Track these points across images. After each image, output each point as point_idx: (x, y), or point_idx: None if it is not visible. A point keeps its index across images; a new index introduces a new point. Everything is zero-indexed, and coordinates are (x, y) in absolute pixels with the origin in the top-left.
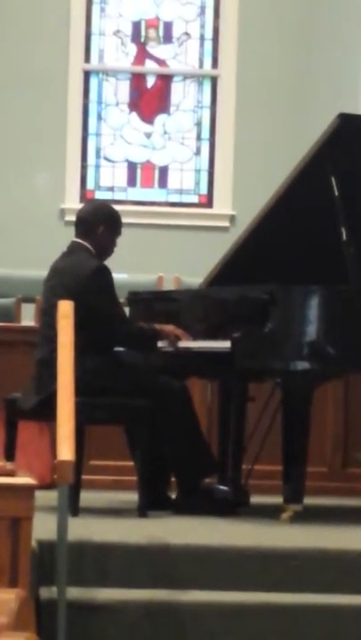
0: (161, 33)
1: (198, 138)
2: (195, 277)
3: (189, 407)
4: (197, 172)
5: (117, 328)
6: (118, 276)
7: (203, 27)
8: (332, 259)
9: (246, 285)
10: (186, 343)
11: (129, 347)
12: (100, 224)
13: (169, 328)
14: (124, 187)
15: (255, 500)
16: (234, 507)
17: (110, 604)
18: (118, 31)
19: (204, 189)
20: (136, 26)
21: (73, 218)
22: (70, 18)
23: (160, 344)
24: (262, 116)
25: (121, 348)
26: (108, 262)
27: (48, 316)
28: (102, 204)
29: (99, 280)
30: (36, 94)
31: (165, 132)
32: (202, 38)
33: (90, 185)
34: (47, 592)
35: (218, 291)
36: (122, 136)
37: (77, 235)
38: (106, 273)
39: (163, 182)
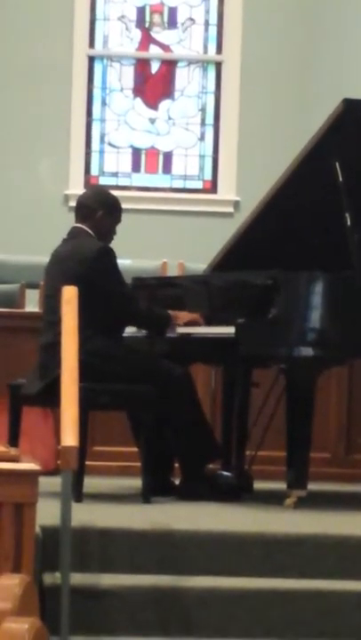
0: (165, 18)
1: (203, 123)
2: (199, 263)
3: (193, 393)
4: (202, 157)
5: (128, 306)
6: (122, 262)
7: (207, 12)
8: (336, 244)
9: (250, 271)
10: (190, 329)
11: (140, 325)
12: (99, 209)
13: (184, 315)
14: (129, 172)
15: (259, 485)
16: (237, 492)
17: (114, 590)
18: (123, 16)
19: (208, 175)
20: (140, 11)
21: None
22: (75, 3)
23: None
24: (267, 102)
25: (131, 329)
26: (114, 248)
27: (52, 301)
28: (102, 189)
29: (104, 261)
30: (40, 80)
31: (170, 118)
32: (206, 24)
33: (94, 171)
34: (51, 577)
35: (222, 276)
36: (126, 122)
37: (77, 220)
38: (110, 254)
39: (167, 168)
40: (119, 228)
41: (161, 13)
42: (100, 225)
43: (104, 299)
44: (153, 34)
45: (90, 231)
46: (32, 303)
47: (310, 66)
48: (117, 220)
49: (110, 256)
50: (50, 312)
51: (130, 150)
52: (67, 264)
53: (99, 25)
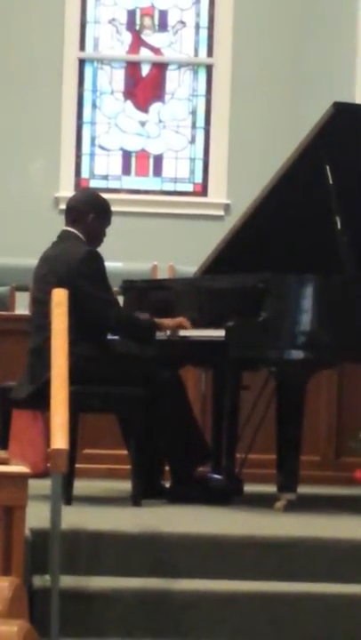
0: (156, 21)
1: (193, 126)
2: (189, 266)
3: (183, 396)
4: (192, 160)
5: (106, 313)
6: (113, 265)
7: (198, 15)
8: (327, 247)
9: (241, 274)
10: (181, 332)
11: (121, 334)
12: (90, 212)
13: (169, 322)
14: (119, 175)
15: (249, 488)
16: (228, 496)
17: (103, 593)
18: (113, 19)
19: (198, 178)
20: (131, 14)
21: None
22: (65, 6)
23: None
24: (257, 105)
25: (115, 337)
26: (104, 251)
27: (40, 305)
28: (92, 192)
29: (89, 265)
30: (30, 82)
31: (160, 121)
32: (197, 26)
33: (84, 173)
34: (40, 580)
35: (212, 279)
36: (117, 124)
37: (67, 223)
38: (97, 258)
39: (157, 171)
40: (109, 231)
41: (152, 16)
42: (91, 228)
43: (84, 302)
44: (144, 37)
45: (80, 234)
46: (22, 306)
47: (301, 68)
48: (108, 222)
49: (97, 261)
50: (38, 315)
51: (120, 153)
52: (54, 267)
53: (89, 28)
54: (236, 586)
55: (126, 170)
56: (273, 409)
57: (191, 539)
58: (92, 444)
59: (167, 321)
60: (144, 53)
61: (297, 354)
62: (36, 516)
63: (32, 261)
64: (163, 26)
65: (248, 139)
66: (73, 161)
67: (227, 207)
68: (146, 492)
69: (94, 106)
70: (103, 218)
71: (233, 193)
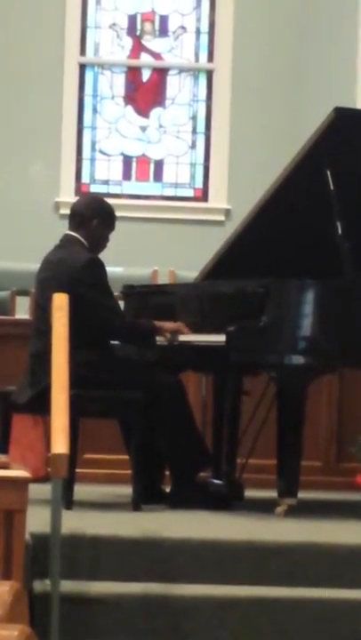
0: (157, 26)
1: (194, 131)
2: (190, 271)
3: (184, 401)
4: (193, 165)
5: (108, 320)
6: (113, 270)
7: (199, 20)
8: (328, 253)
9: (242, 279)
10: (181, 337)
11: (124, 340)
12: (94, 217)
13: (169, 325)
14: (120, 180)
15: (249, 493)
16: (228, 501)
17: (104, 598)
18: (114, 24)
19: (199, 183)
20: (132, 19)
21: (68, 211)
22: (66, 11)
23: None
24: (258, 110)
25: (117, 342)
26: (104, 256)
27: (41, 310)
28: (98, 197)
29: (90, 272)
30: (31, 87)
31: (161, 126)
32: (198, 32)
33: (85, 178)
34: (40, 585)
35: (213, 284)
36: (117, 129)
37: (71, 227)
38: (98, 265)
39: (158, 176)
40: (110, 236)
41: (152, 21)
42: (94, 233)
43: (86, 309)
44: (144, 42)
45: (82, 239)
46: (22, 310)
47: (301, 74)
48: (111, 228)
49: (98, 268)
50: (39, 320)
51: (121, 158)
52: (55, 273)
53: (90, 33)
54: (237, 591)
55: (127, 175)
56: (273, 414)
57: (192, 544)
58: (92, 449)
59: (167, 324)
60: (145, 58)
61: (297, 359)
62: (37, 520)
63: (32, 266)
64: (163, 31)
65: (249, 144)
66: (73, 166)
67: (227, 212)
68: (146, 496)
69: (95, 111)
70: (107, 223)
71: (233, 198)
